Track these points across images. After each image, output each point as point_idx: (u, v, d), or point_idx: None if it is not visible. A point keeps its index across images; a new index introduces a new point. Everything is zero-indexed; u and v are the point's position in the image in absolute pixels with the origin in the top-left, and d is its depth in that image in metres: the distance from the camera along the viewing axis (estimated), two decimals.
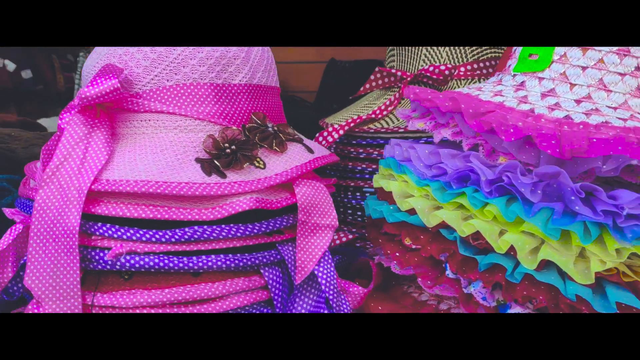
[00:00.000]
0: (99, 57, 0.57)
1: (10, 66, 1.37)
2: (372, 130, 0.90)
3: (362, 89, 1.02)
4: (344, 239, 0.84)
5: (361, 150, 0.90)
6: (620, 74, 0.52)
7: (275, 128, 0.57)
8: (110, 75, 0.51)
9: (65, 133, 0.52)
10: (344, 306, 0.56)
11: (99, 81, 0.51)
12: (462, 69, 0.91)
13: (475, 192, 0.50)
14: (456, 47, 0.93)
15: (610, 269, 0.47)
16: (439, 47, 0.94)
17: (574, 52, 0.54)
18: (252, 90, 0.58)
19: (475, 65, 0.91)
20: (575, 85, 0.53)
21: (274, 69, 0.63)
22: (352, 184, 0.87)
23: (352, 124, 0.89)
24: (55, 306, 0.49)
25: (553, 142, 0.47)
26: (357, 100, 1.10)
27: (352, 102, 1.13)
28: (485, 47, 0.91)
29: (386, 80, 1.00)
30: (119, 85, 0.51)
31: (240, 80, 0.57)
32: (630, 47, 0.52)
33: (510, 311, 0.49)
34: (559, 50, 0.55)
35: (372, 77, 1.01)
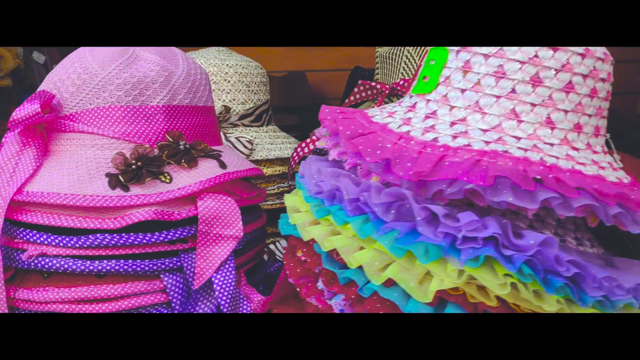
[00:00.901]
0: (45, 82, 0.65)
1: None
2: None
3: (346, 101, 1.05)
4: None
5: None
6: (495, 96, 0.53)
7: (188, 145, 0.63)
8: (35, 100, 0.59)
9: (2, 150, 0.61)
10: (240, 312, 0.61)
11: (25, 106, 0.59)
12: None
13: (340, 210, 0.53)
14: None
15: (457, 289, 0.48)
16: (417, 60, 0.95)
17: (456, 74, 0.55)
18: (170, 111, 0.64)
19: None
20: (454, 107, 0.55)
21: (204, 90, 0.69)
22: None
23: None
24: None
25: (408, 164, 0.49)
26: None
27: None
28: None
29: (369, 92, 1.02)
30: (39, 110, 0.59)
31: (158, 102, 0.63)
32: (507, 70, 0.53)
33: None
34: (445, 72, 0.56)
35: (355, 89, 1.04)
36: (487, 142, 0.51)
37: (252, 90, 1.13)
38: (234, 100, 1.11)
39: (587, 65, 0.53)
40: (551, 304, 0.46)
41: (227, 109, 1.08)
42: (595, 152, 0.55)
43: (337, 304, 0.53)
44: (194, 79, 0.67)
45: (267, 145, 1.09)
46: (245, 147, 1.04)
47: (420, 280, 0.49)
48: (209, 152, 0.65)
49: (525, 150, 0.50)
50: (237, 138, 1.05)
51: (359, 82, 1.03)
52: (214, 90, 1.09)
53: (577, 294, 0.47)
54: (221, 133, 1.05)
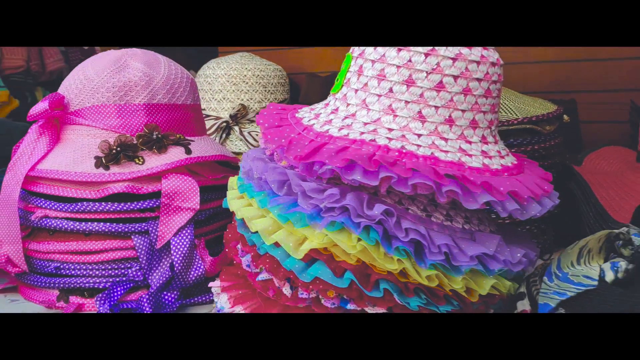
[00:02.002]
0: (61, 86, 0.84)
1: None
2: None
3: None
4: None
5: None
6: (378, 95, 0.64)
7: (160, 135, 0.79)
8: (46, 100, 0.78)
9: (25, 138, 0.80)
10: (193, 270, 0.76)
11: (39, 104, 0.78)
12: None
13: (251, 187, 0.66)
14: None
15: (327, 249, 0.60)
16: None
17: (353, 77, 0.67)
18: (150, 108, 0.80)
19: None
20: (350, 104, 0.66)
21: (183, 91, 0.85)
22: None
23: None
24: (7, 248, 0.77)
25: (298, 150, 0.62)
26: None
27: None
28: None
29: None
30: (48, 107, 0.77)
31: (140, 101, 0.80)
32: (386, 73, 0.63)
33: (261, 276, 0.64)
34: (348, 75, 0.68)
35: None
36: (362, 133, 0.62)
37: (269, 91, 1.28)
38: (251, 99, 1.26)
39: (459, 67, 0.62)
40: (392, 263, 0.57)
41: (243, 107, 1.24)
42: (468, 142, 0.64)
43: (246, 261, 0.66)
44: (174, 82, 0.83)
45: None
46: (255, 140, 1.19)
47: (300, 243, 0.61)
48: (179, 141, 0.80)
49: (390, 139, 0.61)
50: (249, 132, 1.21)
51: None
52: (234, 90, 1.25)
53: (419, 257, 0.58)
54: (237, 127, 1.22)
